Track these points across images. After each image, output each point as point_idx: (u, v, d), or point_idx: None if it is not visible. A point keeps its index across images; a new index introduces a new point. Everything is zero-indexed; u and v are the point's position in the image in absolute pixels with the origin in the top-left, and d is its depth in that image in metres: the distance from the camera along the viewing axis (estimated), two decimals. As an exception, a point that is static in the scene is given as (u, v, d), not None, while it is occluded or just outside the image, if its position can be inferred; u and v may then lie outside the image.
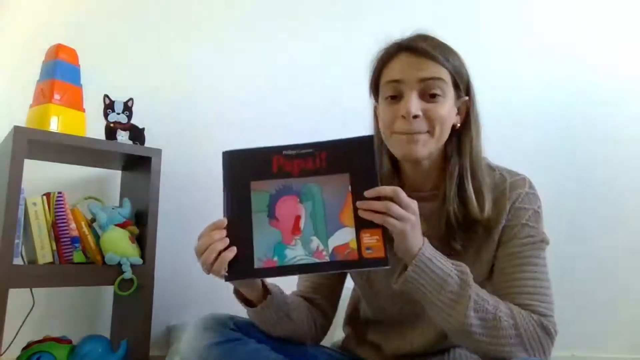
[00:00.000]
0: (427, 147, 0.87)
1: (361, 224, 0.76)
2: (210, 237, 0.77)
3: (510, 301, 0.84)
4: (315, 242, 0.77)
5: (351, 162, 0.79)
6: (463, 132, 0.92)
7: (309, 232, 0.77)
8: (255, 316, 0.89)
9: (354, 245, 0.75)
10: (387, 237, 0.76)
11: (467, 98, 0.91)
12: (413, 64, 0.86)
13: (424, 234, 0.82)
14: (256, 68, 1.92)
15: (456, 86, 0.89)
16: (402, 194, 0.76)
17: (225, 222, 0.78)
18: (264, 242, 0.77)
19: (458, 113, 0.91)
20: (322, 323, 1.01)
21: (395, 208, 0.74)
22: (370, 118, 1.00)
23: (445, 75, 0.86)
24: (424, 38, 0.89)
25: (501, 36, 2.08)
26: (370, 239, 0.75)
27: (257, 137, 1.83)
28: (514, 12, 2.22)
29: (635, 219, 2.14)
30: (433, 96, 0.86)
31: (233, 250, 0.76)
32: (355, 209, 0.76)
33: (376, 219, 0.75)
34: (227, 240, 0.77)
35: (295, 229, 0.78)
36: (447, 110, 0.87)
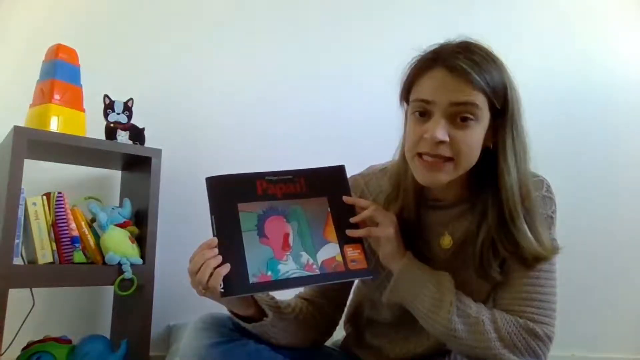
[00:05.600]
0: (449, 175, 0.82)
1: (344, 240, 0.85)
2: (202, 255, 0.77)
3: (504, 306, 0.85)
4: (305, 256, 0.82)
5: (328, 187, 0.88)
6: (502, 156, 0.82)
7: (298, 248, 0.83)
8: (253, 329, 0.89)
9: (340, 258, 0.83)
10: (368, 251, 0.86)
11: (503, 118, 0.82)
12: (447, 85, 0.78)
13: (450, 246, 0.89)
14: (257, 68, 1.92)
15: (493, 108, 0.80)
16: (380, 209, 0.87)
17: (216, 241, 0.79)
18: (256, 259, 0.80)
19: (494, 134, 0.83)
20: (327, 327, 1.02)
21: (378, 214, 0.85)
22: (399, 122, 0.93)
23: (481, 100, 0.78)
24: (465, 51, 0.80)
25: (496, 31, 2.08)
26: (354, 252, 0.84)
27: (257, 137, 1.86)
28: (510, 5, 2.22)
29: (636, 218, 2.14)
30: (464, 120, 0.79)
31: (227, 267, 0.77)
32: (337, 227, 0.85)
33: (361, 233, 0.85)
34: (220, 258, 0.78)
35: (285, 245, 0.83)
36: (477, 136, 0.80)
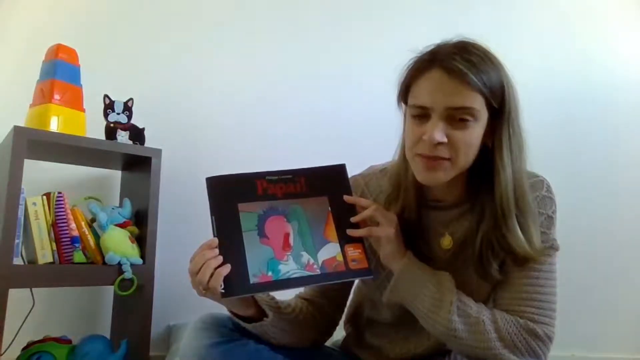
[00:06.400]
0: (448, 174, 0.82)
1: (344, 239, 0.85)
2: (203, 256, 0.78)
3: (505, 306, 0.85)
4: (306, 256, 0.82)
5: (328, 186, 0.88)
6: (497, 154, 0.83)
7: (298, 247, 0.83)
8: (253, 329, 0.89)
9: (340, 258, 0.83)
10: (368, 250, 0.86)
11: (500, 117, 0.82)
12: (444, 88, 0.79)
13: (450, 247, 0.89)
14: (257, 68, 1.92)
15: (490, 107, 0.81)
16: (381, 209, 0.86)
17: (217, 241, 0.79)
18: (257, 259, 0.80)
19: (493, 132, 0.83)
20: (327, 326, 1.02)
21: (379, 214, 0.85)
22: (399, 122, 0.92)
23: (478, 102, 0.79)
24: (462, 51, 0.80)
25: (496, 31, 2.08)
26: (354, 252, 0.84)
27: (257, 137, 1.86)
28: (510, 5, 2.22)
29: (636, 218, 2.14)
30: (462, 120, 0.79)
31: (228, 267, 0.77)
32: (338, 226, 0.85)
33: (362, 233, 0.85)
34: (221, 258, 0.78)
35: (286, 245, 0.83)
36: (475, 136, 0.81)
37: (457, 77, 0.78)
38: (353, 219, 0.86)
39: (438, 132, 0.78)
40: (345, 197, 0.87)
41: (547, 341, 0.82)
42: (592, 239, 2.06)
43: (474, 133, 0.81)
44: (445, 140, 0.79)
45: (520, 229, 0.83)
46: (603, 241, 2.09)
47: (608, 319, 2.07)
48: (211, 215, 0.82)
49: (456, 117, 0.79)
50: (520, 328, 0.82)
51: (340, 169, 0.90)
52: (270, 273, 0.79)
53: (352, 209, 0.87)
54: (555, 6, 2.26)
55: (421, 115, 0.82)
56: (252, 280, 0.78)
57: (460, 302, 0.83)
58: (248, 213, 0.83)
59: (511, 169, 0.83)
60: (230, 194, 0.83)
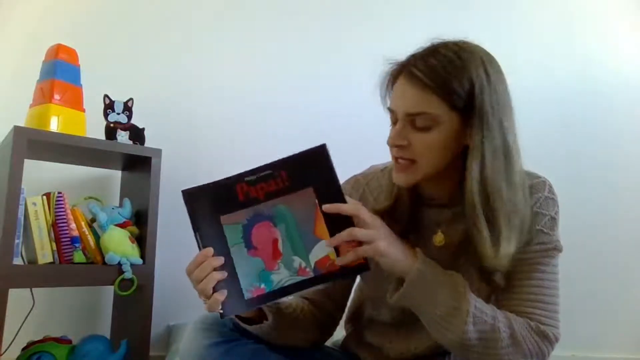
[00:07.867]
0: (413, 176, 0.83)
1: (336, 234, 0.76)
2: (210, 263, 0.75)
3: (511, 307, 0.84)
4: (297, 260, 0.77)
5: (311, 174, 0.78)
6: (468, 155, 0.81)
7: (288, 253, 0.77)
8: (254, 331, 0.89)
9: (333, 256, 0.77)
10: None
11: (472, 117, 0.79)
12: (405, 94, 0.81)
13: (442, 244, 0.88)
14: (256, 68, 1.92)
15: (458, 109, 0.79)
16: (363, 211, 0.76)
17: (212, 251, 0.76)
18: (247, 273, 0.77)
19: (471, 132, 0.80)
20: (328, 326, 1.01)
21: (358, 232, 0.74)
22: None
23: (436, 106, 0.79)
24: (429, 55, 0.80)
25: (496, 31, 2.08)
26: (348, 247, 0.76)
27: (257, 137, 1.86)
28: (510, 5, 2.22)
29: (636, 218, 2.14)
30: (423, 124, 0.80)
31: (224, 293, 0.75)
32: (327, 221, 0.76)
33: (343, 238, 0.75)
34: (226, 273, 0.75)
35: (275, 252, 0.78)
36: (439, 139, 0.80)
37: (416, 83, 0.80)
38: (328, 242, 0.76)
39: (395, 136, 0.82)
40: (325, 207, 0.76)
41: (555, 343, 0.82)
42: (592, 239, 2.06)
43: (437, 136, 0.80)
44: (403, 143, 0.82)
45: (491, 235, 0.79)
46: (603, 241, 2.09)
47: (608, 319, 2.07)
48: (194, 232, 0.77)
49: (416, 122, 0.81)
50: (532, 331, 0.81)
51: (321, 151, 0.78)
52: (262, 285, 0.77)
53: (341, 196, 0.78)
54: (555, 6, 2.26)
55: (393, 119, 0.85)
56: (247, 295, 0.76)
57: (476, 310, 0.79)
58: (232, 225, 0.78)
59: (479, 170, 0.79)
60: (210, 207, 0.78)
